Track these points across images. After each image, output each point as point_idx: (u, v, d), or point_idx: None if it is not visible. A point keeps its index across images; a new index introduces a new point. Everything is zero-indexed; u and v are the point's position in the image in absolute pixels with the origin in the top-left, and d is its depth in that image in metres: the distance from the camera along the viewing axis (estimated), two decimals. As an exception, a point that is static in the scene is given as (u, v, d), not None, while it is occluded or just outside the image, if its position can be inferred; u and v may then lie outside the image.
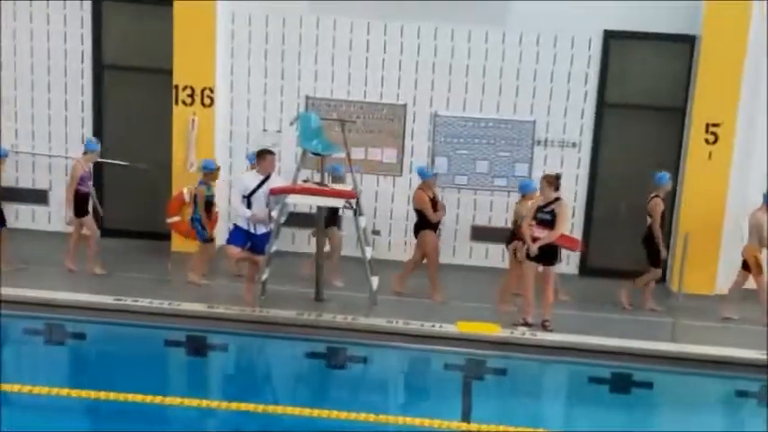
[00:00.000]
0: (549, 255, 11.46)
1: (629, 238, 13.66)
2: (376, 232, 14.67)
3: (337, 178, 12.95)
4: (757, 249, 12.47)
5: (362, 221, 12.05)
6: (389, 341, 11.21)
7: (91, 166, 12.94)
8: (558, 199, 11.46)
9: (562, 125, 14.55)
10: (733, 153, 13.70)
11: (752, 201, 13.65)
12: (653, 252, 12.74)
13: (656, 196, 12.71)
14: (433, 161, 14.69)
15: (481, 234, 14.77)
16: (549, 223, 11.36)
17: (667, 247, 13.28)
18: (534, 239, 11.42)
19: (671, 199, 14.17)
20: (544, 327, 11.54)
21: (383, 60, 14.61)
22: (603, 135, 14.53)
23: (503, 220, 14.35)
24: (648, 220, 12.72)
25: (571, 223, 13.60)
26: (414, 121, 14.73)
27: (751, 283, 12.64)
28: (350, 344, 11.08)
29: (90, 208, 12.85)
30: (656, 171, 12.98)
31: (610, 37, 14.26)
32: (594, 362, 10.92)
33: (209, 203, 12.64)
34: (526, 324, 11.56)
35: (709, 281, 13.51)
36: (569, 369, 11.24)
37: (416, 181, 13.59)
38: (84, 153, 12.86)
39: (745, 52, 13.45)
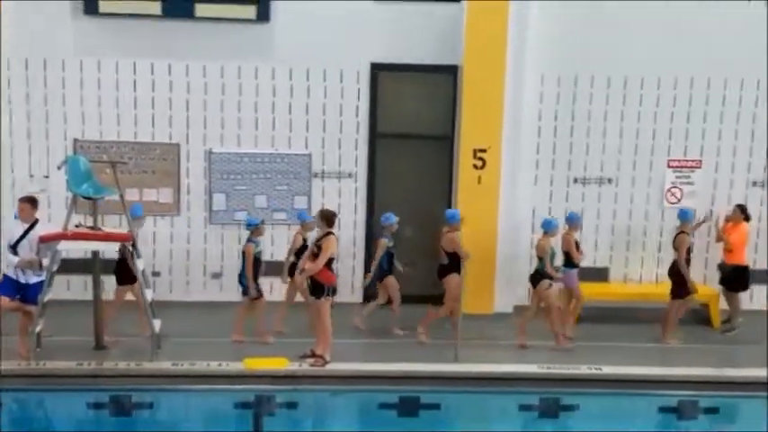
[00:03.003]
0: (316, 289, 11.50)
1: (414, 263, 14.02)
2: (156, 273, 14.30)
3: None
4: None
5: (141, 264, 11.76)
6: (176, 384, 11.00)
7: None
8: (327, 234, 11.48)
9: (337, 157, 14.72)
10: (501, 176, 14.25)
11: (520, 220, 14.33)
12: (675, 284, 12.94)
13: (683, 232, 12.90)
14: (210, 198, 14.53)
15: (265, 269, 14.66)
16: (317, 257, 11.40)
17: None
18: (302, 271, 11.59)
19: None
20: (314, 360, 11.54)
21: (152, 99, 14.35)
22: (378, 165, 14.81)
23: (284, 252, 14.28)
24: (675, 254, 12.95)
25: (353, 252, 13.78)
26: (188, 159, 14.53)
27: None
28: (135, 390, 10.75)
29: None
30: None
31: (377, 69, 14.56)
32: (385, 388, 11.08)
33: (257, 260, 12.33)
34: (315, 356, 11.57)
35: (487, 302, 13.96)
36: (359, 397, 11.33)
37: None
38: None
39: (503, 79, 14.02)
